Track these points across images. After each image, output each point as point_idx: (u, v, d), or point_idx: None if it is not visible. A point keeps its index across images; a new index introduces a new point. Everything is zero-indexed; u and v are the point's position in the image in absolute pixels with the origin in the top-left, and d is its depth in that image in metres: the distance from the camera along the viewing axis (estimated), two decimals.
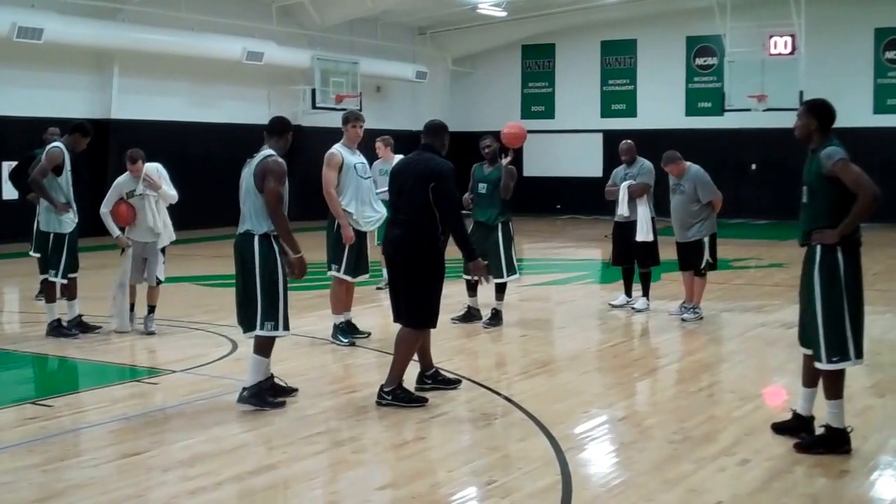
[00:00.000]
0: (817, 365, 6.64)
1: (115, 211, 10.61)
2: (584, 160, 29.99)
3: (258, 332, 7.71)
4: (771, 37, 25.85)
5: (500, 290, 11.50)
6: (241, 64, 24.58)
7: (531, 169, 31.04)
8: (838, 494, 6.03)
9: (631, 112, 30.04)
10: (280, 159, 7.78)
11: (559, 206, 30.28)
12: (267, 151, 7.82)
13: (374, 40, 28.98)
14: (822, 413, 6.79)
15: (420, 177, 7.87)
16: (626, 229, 12.34)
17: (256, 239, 7.68)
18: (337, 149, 10.25)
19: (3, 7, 19.83)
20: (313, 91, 26.43)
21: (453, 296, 13.22)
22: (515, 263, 11.54)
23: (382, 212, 10.35)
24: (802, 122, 6.73)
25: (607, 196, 12.55)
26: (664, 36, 29.36)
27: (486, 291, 11.58)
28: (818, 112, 6.72)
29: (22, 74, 21.30)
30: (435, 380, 8.46)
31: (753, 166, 27.59)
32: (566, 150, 30.71)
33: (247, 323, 7.79)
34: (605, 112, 30.56)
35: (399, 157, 14.41)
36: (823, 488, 6.10)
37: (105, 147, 21.86)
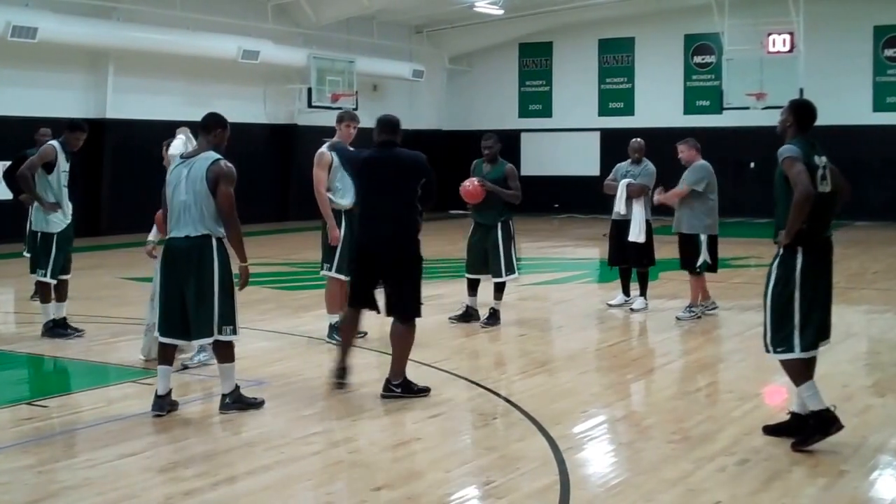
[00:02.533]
0: (768, 354, 6.86)
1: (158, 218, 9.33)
2: (581, 159, 29.93)
3: (217, 336, 7.54)
4: (769, 34, 25.79)
5: (500, 289, 11.46)
6: (237, 63, 24.52)
7: (528, 168, 30.94)
8: (838, 494, 5.98)
9: (629, 110, 30.00)
10: (230, 164, 7.60)
11: (557, 205, 30.20)
12: (212, 153, 7.60)
13: (370, 39, 28.93)
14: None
15: (410, 172, 8.17)
16: (622, 228, 12.30)
17: (215, 242, 7.51)
18: (326, 148, 10.18)
19: None
20: (309, 90, 26.38)
21: (451, 295, 13.21)
22: (515, 263, 11.50)
23: None
24: (782, 118, 6.94)
25: (605, 190, 12.51)
26: (662, 34, 29.32)
27: (484, 291, 11.54)
28: (796, 110, 6.91)
29: (16, 74, 21.22)
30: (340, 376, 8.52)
31: (752, 165, 27.52)
32: (564, 148, 30.66)
33: (200, 330, 7.54)
34: (603, 110, 30.52)
35: None
36: (823, 488, 6.06)
37: (100, 147, 21.81)
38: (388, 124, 8.43)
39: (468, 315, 11.53)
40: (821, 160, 6.74)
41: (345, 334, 8.65)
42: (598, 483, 6.22)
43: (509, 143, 30.81)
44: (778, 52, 25.86)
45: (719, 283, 14.56)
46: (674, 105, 29.20)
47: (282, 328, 11.05)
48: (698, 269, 11.84)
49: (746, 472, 6.31)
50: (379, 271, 8.27)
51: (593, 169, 28.61)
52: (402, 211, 8.15)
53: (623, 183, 12.26)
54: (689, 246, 11.82)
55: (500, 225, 11.32)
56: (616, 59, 30.36)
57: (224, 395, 7.71)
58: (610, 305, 12.73)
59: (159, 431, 7.27)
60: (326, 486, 6.19)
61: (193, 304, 7.47)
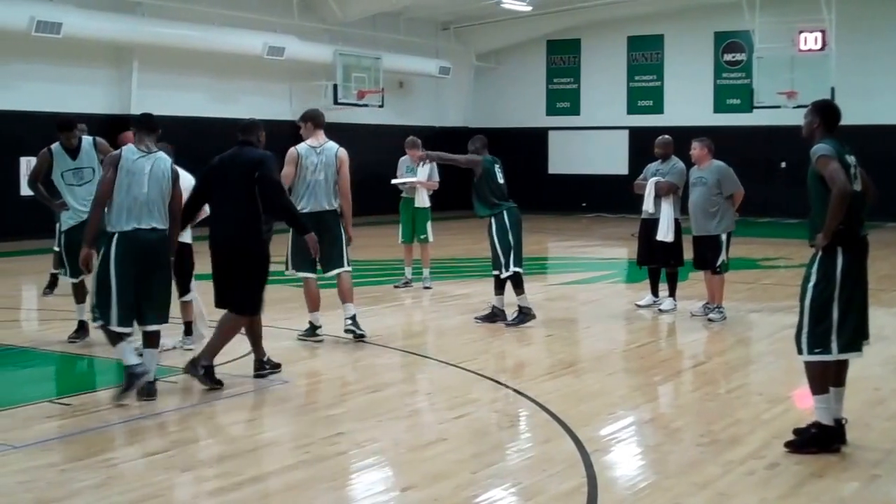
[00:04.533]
0: (800, 356, 6.74)
1: None
2: (609, 157, 29.78)
3: (161, 324, 8.05)
4: (800, 32, 25.55)
5: (516, 284, 11.26)
6: (262, 59, 24.51)
7: (556, 166, 30.96)
8: (869, 499, 5.90)
9: (658, 109, 29.79)
10: None
11: (584, 204, 30.09)
12: (164, 154, 8.14)
13: (396, 35, 28.90)
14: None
15: (249, 171, 8.30)
16: (651, 228, 12.18)
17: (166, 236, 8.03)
18: None
19: (22, 1, 19.83)
20: (335, 87, 26.35)
21: (477, 295, 13.14)
22: (511, 258, 11.13)
23: None
24: (807, 120, 6.90)
25: (635, 189, 12.40)
26: (692, 31, 29.12)
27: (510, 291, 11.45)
28: (821, 111, 6.88)
29: (41, 69, 21.27)
30: (272, 364, 8.76)
31: (783, 164, 27.28)
32: (592, 147, 30.53)
33: (159, 316, 8.04)
34: (632, 108, 30.32)
35: None
36: (854, 493, 5.97)
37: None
38: (247, 125, 8.67)
39: (494, 315, 11.42)
40: (851, 159, 6.69)
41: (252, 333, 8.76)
42: (625, 486, 6.14)
43: (537, 141, 30.86)
44: (809, 50, 25.62)
45: (749, 285, 14.47)
46: (703, 103, 28.98)
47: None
48: (719, 269, 11.71)
49: (776, 476, 6.22)
50: (227, 269, 8.42)
51: (622, 168, 28.51)
52: (244, 212, 8.29)
53: (652, 181, 12.15)
54: (710, 246, 11.68)
55: (492, 219, 11.24)
56: (645, 56, 30.16)
57: (148, 375, 7.89)
58: (638, 306, 12.60)
59: (183, 430, 7.25)
60: (352, 487, 6.15)
61: (157, 293, 7.97)
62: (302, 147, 10.29)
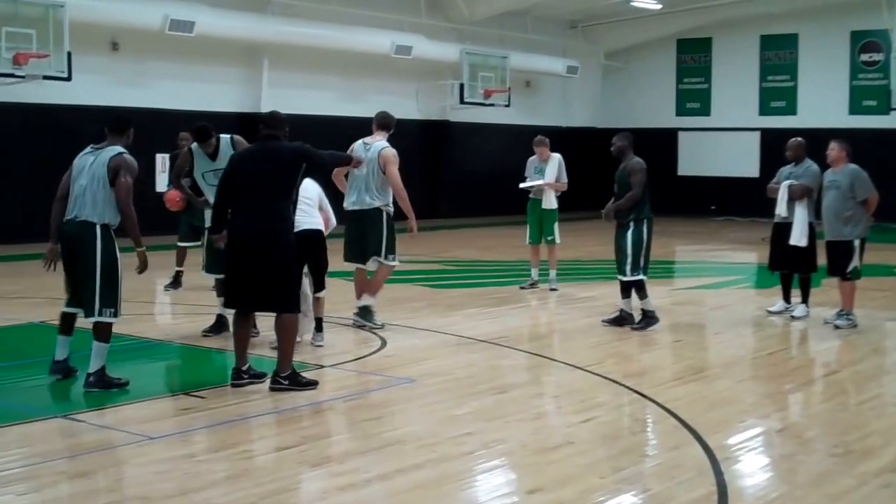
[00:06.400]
0: None
1: None
2: (740, 159, 29.20)
3: (98, 318, 8.04)
4: None
5: (638, 289, 11.18)
6: (390, 58, 24.71)
7: (685, 168, 30.51)
8: None
9: (791, 110, 29.10)
10: (131, 157, 8.24)
11: (714, 207, 29.60)
12: (117, 147, 8.21)
13: (523, 34, 28.85)
14: None
15: (291, 163, 8.24)
16: (784, 232, 11.92)
17: (98, 228, 8.05)
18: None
19: (156, 0, 20.41)
20: (461, 86, 26.42)
21: (604, 297, 13.05)
22: (640, 263, 11.09)
23: None
24: None
25: (768, 193, 12.15)
26: (827, 30, 28.38)
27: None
28: None
29: (174, 67, 21.84)
30: (250, 374, 8.37)
31: None
32: (722, 148, 29.98)
33: (86, 308, 8.12)
34: (764, 109, 29.69)
35: (557, 155, 14.43)
36: None
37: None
38: (272, 119, 8.60)
39: (622, 319, 11.32)
40: None
41: (238, 337, 8.43)
42: (756, 495, 6.04)
43: (666, 141, 30.44)
44: None
45: (884, 293, 14.09)
46: (838, 104, 28.21)
47: (432, 326, 11.08)
48: (850, 276, 11.40)
49: None
50: (251, 266, 8.15)
51: (753, 170, 27.95)
52: (277, 205, 8.17)
53: (784, 185, 11.90)
54: (843, 251, 11.40)
55: (631, 224, 11.11)
56: (778, 56, 29.47)
57: (89, 374, 8.04)
58: (770, 312, 12.35)
59: (313, 426, 7.37)
60: (479, 487, 6.17)
61: (81, 284, 8.15)
62: (358, 141, 11.03)
